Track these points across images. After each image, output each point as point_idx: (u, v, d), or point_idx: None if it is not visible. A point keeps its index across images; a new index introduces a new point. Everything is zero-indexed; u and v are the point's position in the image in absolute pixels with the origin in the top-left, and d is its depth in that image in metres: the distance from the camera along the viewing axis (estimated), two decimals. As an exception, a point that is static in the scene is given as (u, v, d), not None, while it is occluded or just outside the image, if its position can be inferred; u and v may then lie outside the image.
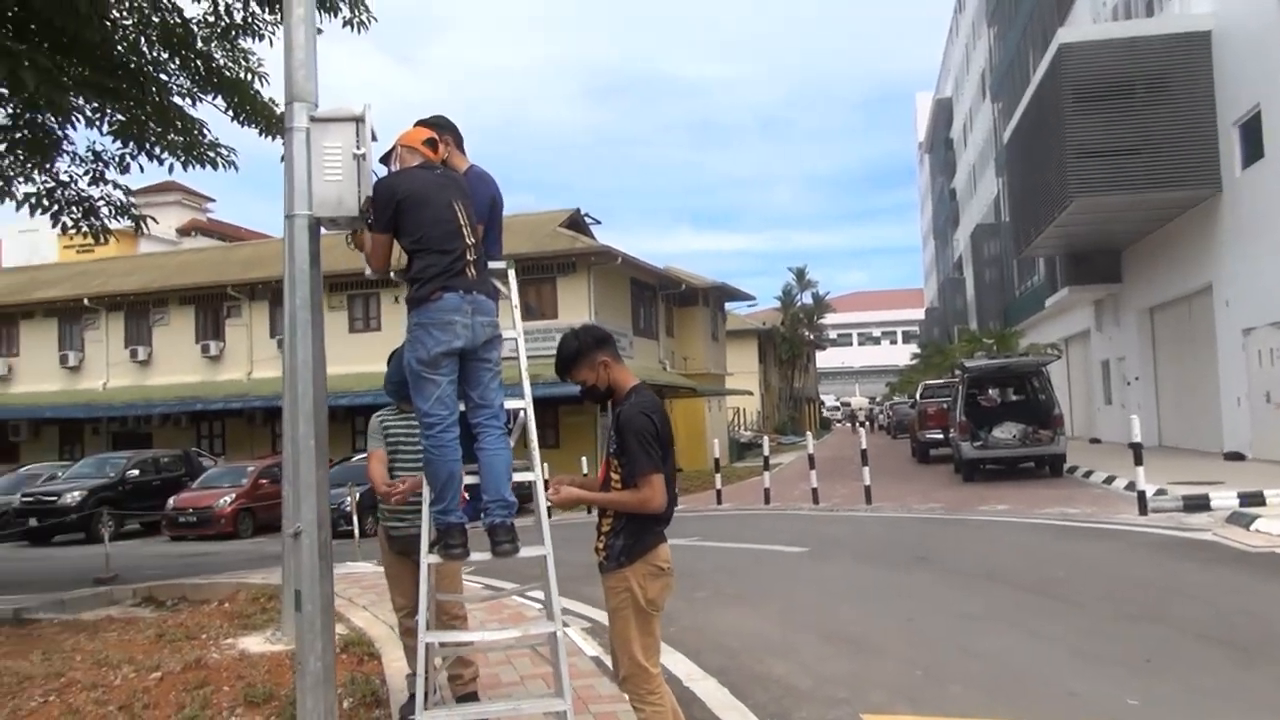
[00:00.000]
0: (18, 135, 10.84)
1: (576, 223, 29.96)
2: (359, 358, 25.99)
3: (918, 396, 29.24)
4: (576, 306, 25.97)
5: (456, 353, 3.94)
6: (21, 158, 10.98)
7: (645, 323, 30.60)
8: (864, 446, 16.30)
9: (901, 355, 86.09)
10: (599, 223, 33.14)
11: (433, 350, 3.91)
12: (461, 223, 3.98)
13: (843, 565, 9.58)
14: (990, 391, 20.32)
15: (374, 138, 4.06)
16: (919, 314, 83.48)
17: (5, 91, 8.83)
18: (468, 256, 3.96)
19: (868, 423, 43.61)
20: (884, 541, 11.12)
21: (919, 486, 17.93)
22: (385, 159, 4.15)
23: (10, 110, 10.58)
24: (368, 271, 4.17)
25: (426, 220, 3.94)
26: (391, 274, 4.17)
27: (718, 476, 19.17)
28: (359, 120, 3.96)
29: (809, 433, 19.44)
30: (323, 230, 4.17)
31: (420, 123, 4.31)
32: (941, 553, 9.84)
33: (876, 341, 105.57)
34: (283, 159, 4.30)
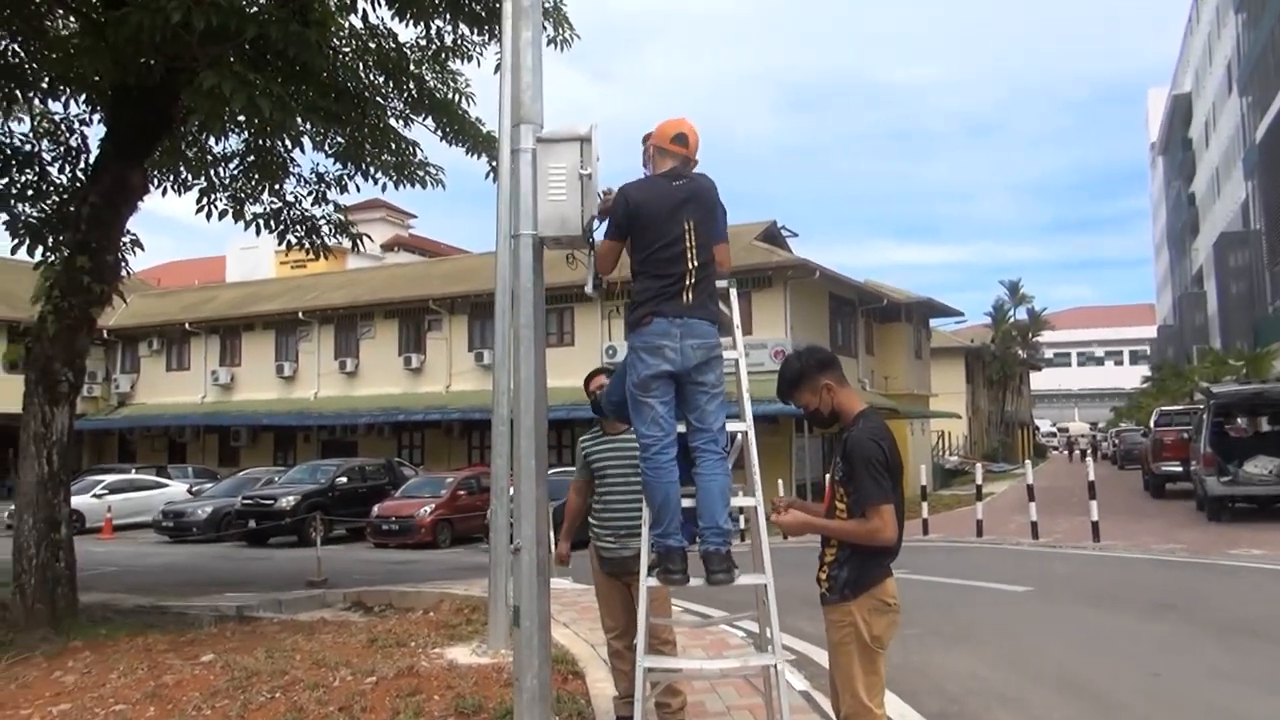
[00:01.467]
0: (250, 159, 11.93)
1: (773, 236, 29.85)
2: (552, 372, 26.65)
3: (1152, 424, 27.41)
4: (773, 322, 25.88)
5: (667, 376, 4.01)
6: (253, 180, 12.06)
7: (844, 339, 30.08)
8: (1091, 477, 15.42)
9: (1129, 377, 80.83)
10: (795, 235, 32.93)
11: (642, 374, 4.00)
12: (688, 244, 4.03)
13: (1072, 608, 9.11)
14: (1240, 420, 18.82)
15: (599, 156, 4.20)
16: (1149, 332, 78.07)
17: (242, 119, 9.68)
18: (687, 280, 4.02)
19: (1091, 451, 41.06)
20: (1118, 584, 10.48)
21: (1155, 524, 16.89)
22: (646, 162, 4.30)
23: (245, 136, 11.63)
24: (588, 288, 4.31)
25: (651, 241, 4.03)
26: (602, 284, 4.31)
27: (924, 505, 18.59)
28: (584, 140, 4.10)
29: (1026, 461, 18.54)
30: (547, 248, 4.34)
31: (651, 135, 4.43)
32: (1188, 600, 9.19)
33: (1099, 362, 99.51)
34: (488, 175, 4.51)
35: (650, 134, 4.33)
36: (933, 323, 38.93)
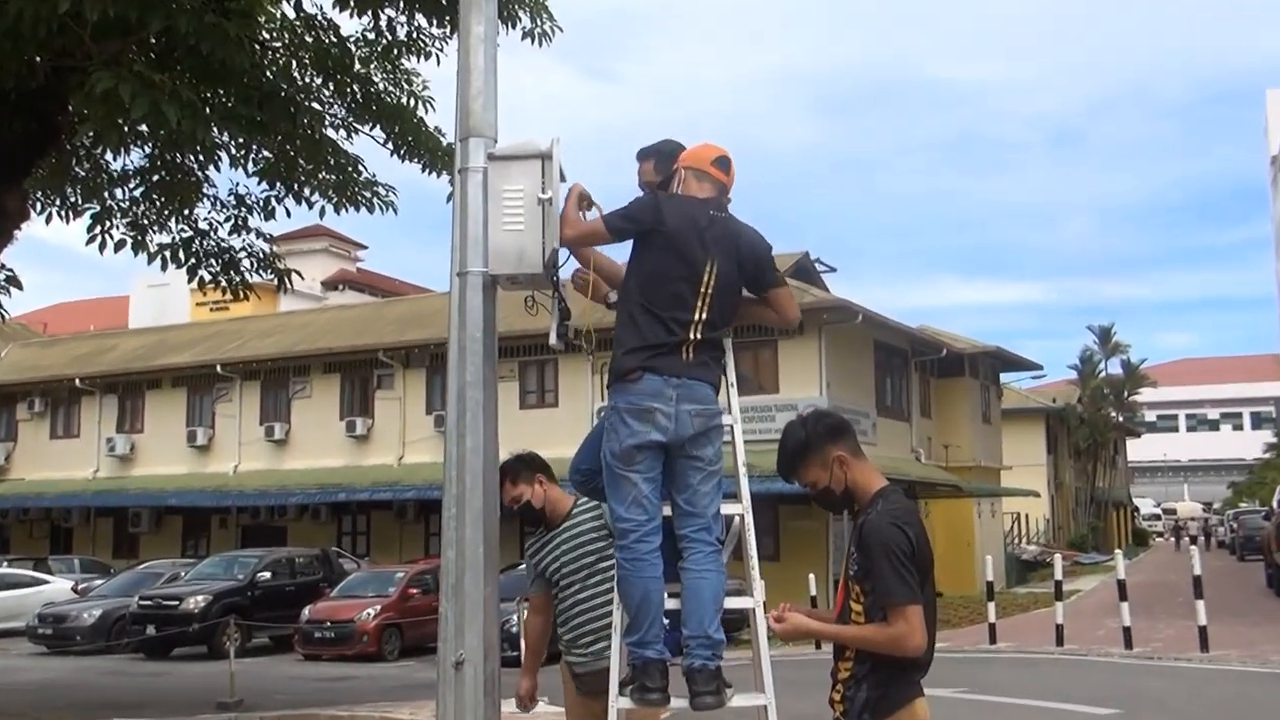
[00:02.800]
0: (155, 178, 12.01)
1: (805, 270, 30.09)
2: (531, 437, 26.51)
3: (1275, 504, 27.32)
4: (804, 378, 26.03)
5: (656, 447, 4.05)
6: (159, 204, 12.15)
7: (893, 399, 30.18)
8: (1198, 570, 15.35)
9: (1250, 445, 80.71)
10: (833, 270, 33.17)
11: (626, 442, 4.05)
12: (705, 289, 4.13)
13: (1169, 737, 9.03)
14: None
15: (563, 177, 4.27)
16: (1275, 389, 78.19)
17: (145, 129, 9.79)
18: (692, 333, 4.12)
19: (1202, 537, 40.88)
20: (1232, 707, 10.43)
21: (1280, 630, 16.83)
22: (664, 185, 4.40)
23: (149, 150, 11.74)
24: (552, 339, 4.36)
25: (663, 269, 4.13)
26: (570, 333, 4.38)
27: (991, 606, 18.50)
28: (545, 157, 4.18)
29: (1118, 550, 18.48)
30: (500, 288, 4.39)
31: (646, 153, 4.53)
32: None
33: (1213, 426, 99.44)
34: (449, 199, 4.57)
35: (657, 150, 4.49)
36: (1004, 378, 39.13)
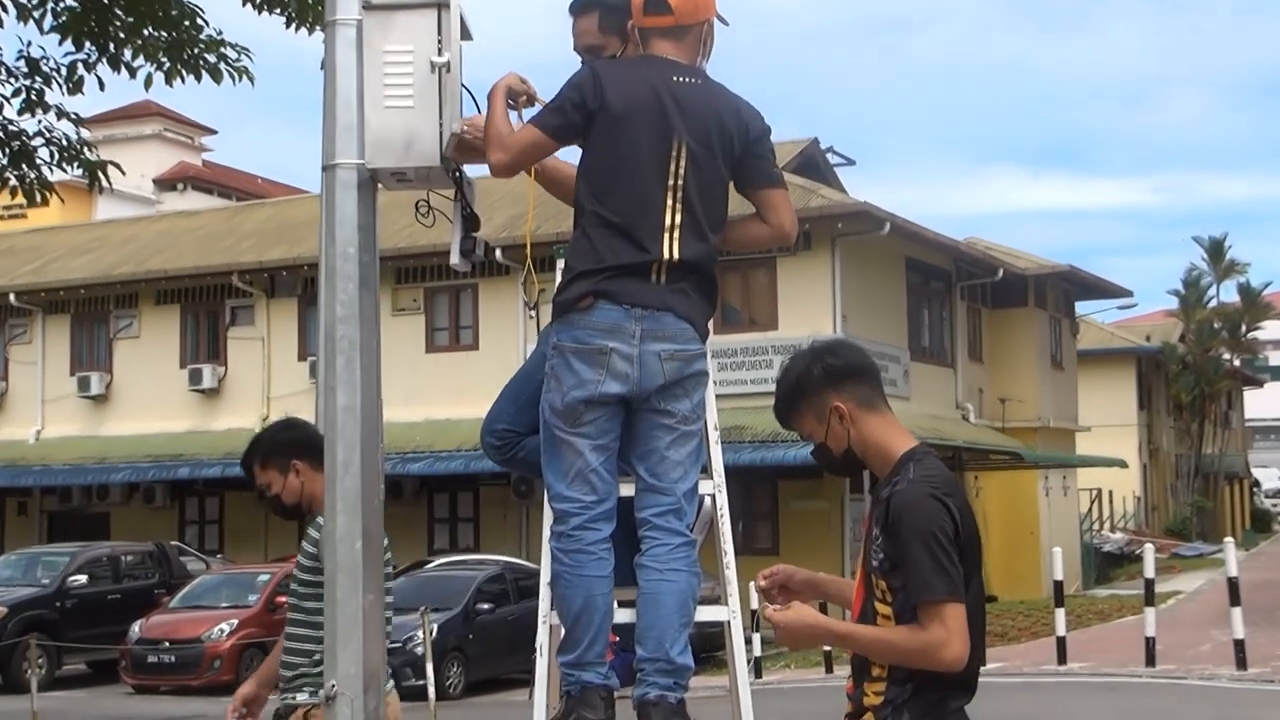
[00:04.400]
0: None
1: (813, 164, 30.14)
2: (444, 393, 27.18)
3: None
4: (812, 308, 26.25)
5: (613, 402, 4.06)
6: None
7: (932, 338, 30.46)
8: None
9: None
10: (851, 163, 33.33)
11: (570, 394, 4.06)
12: (675, 181, 4.12)
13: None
14: None
15: (466, 34, 4.22)
16: None
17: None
18: (664, 249, 4.10)
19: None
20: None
21: None
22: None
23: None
24: (454, 258, 4.32)
25: (615, 162, 4.13)
26: (480, 250, 4.35)
27: (1060, 615, 18.69)
28: (441, 5, 4.13)
29: (1229, 539, 18.69)
30: (382, 186, 4.35)
31: (584, 4, 4.44)
32: None
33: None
34: (323, 65, 4.53)
35: (601, 1, 4.40)
36: (1082, 309, 39.42)
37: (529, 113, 4.33)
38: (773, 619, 3.64)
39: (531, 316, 4.54)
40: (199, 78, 12.10)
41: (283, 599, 21.30)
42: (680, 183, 4.12)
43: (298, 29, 11.97)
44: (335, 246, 4.23)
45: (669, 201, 4.11)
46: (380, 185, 4.32)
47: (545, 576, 4.18)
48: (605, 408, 4.08)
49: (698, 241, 4.17)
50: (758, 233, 4.44)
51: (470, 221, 4.39)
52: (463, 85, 4.31)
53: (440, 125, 4.17)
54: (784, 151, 29.22)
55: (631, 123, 4.11)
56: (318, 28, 11.69)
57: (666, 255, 4.10)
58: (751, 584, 3.91)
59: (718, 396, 4.56)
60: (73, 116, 12.49)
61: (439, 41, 4.15)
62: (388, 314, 26.51)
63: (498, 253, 23.39)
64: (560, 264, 4.27)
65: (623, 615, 4.08)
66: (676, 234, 4.12)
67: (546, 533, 4.21)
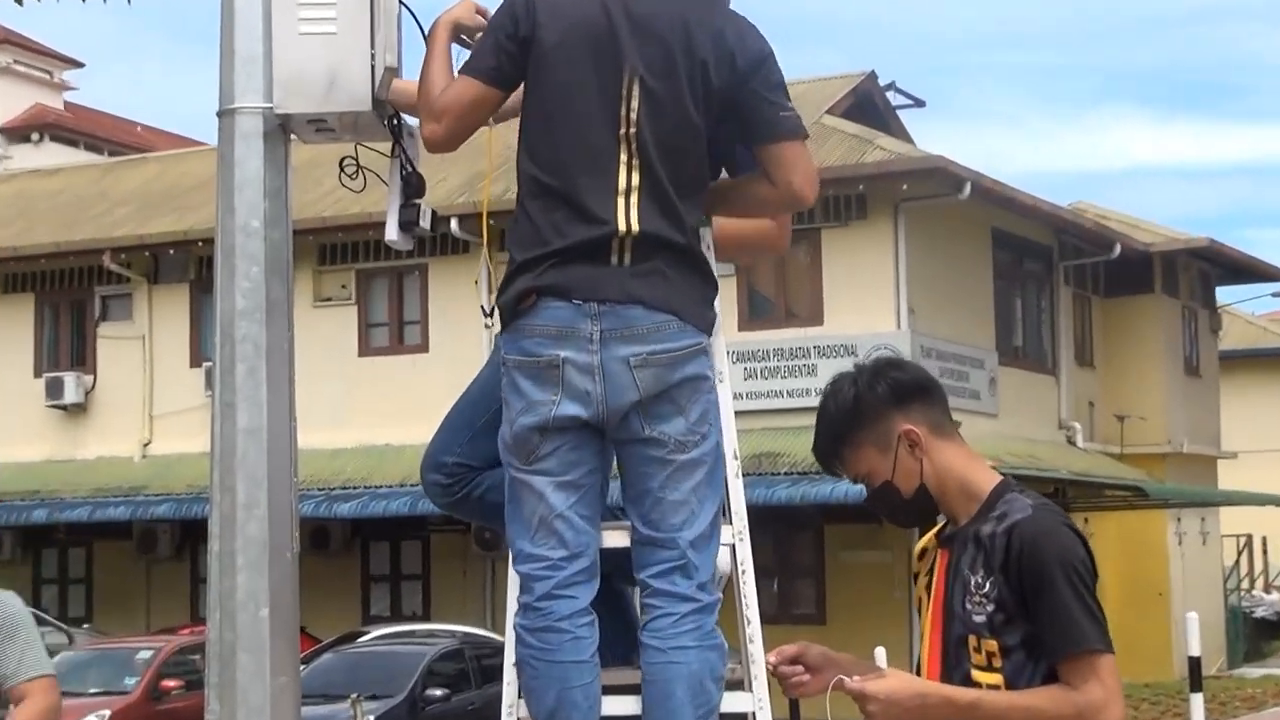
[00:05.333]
0: None
1: (869, 105, 30.21)
2: (383, 410, 27.38)
3: None
4: (867, 297, 26.29)
5: (574, 427, 4.07)
6: None
7: (1028, 335, 30.55)
8: None
9: None
10: (920, 104, 33.40)
11: (518, 421, 4.08)
12: (628, 130, 4.07)
13: None
14: None
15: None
16: None
17: None
18: (619, 218, 4.05)
19: None
20: None
21: None
22: None
23: None
24: (390, 233, 4.35)
25: (550, 111, 4.10)
26: (424, 221, 4.37)
27: (1198, 701, 18.69)
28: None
29: None
30: (297, 138, 4.38)
31: None
32: None
33: None
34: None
35: None
36: (1224, 296, 39.35)
37: None
38: (866, 691, 3.58)
39: (488, 325, 4.48)
40: (56, -5, 12.12)
41: (170, 683, 21.31)
42: (633, 130, 4.06)
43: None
44: (235, 218, 4.26)
45: (622, 156, 4.07)
46: (294, 136, 4.35)
47: (510, 657, 4.17)
48: (567, 435, 4.07)
49: (664, 208, 4.11)
50: (758, 195, 4.37)
51: (413, 184, 4.42)
52: (401, 3, 4.34)
53: (372, 56, 4.20)
54: (828, 90, 29.29)
55: (569, 51, 4.09)
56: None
57: (623, 227, 4.06)
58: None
59: (742, 414, 4.54)
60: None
61: (368, -52, 4.18)
62: (307, 305, 26.58)
63: (452, 224, 23.54)
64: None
65: (617, 706, 4.09)
66: (634, 199, 4.07)
67: (512, 603, 4.19)
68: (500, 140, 4.75)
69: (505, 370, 4.13)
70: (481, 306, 5.35)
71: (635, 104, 4.06)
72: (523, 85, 4.18)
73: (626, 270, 4.08)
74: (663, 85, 4.08)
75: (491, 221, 4.82)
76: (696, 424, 4.13)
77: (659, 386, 4.08)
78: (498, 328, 4.28)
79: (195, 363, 29.81)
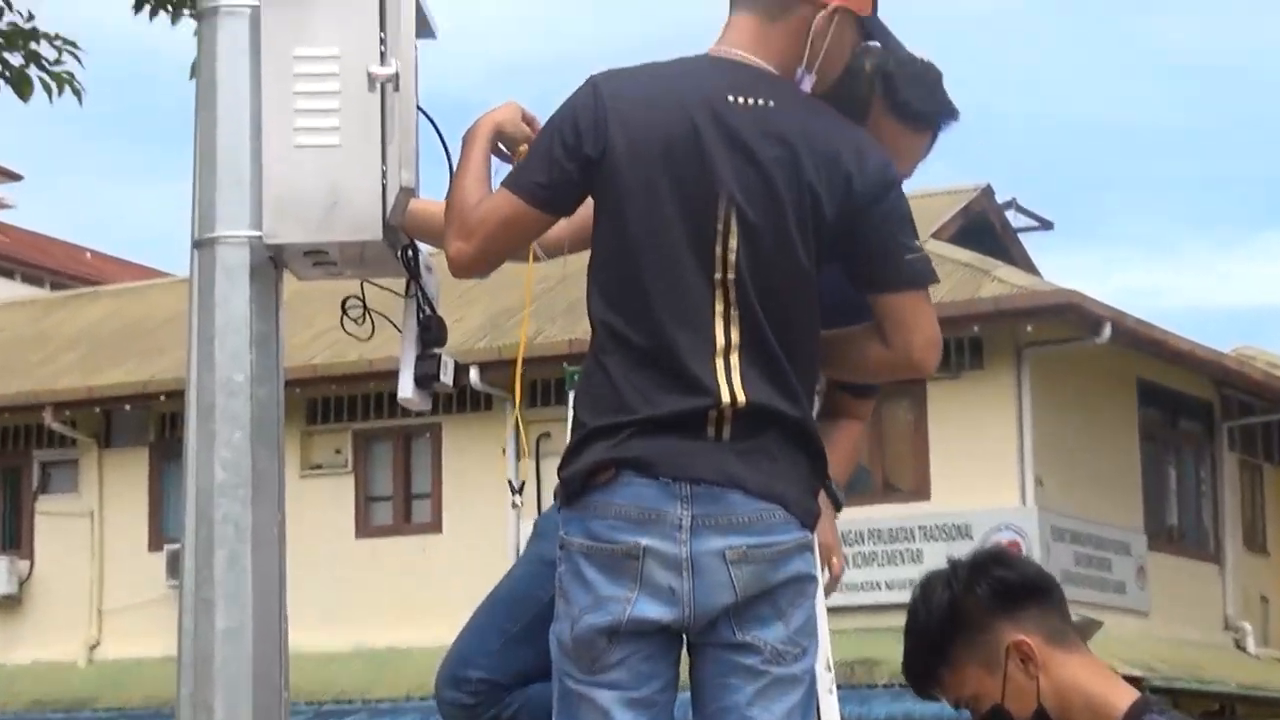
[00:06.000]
0: None
1: (984, 226, 30.42)
2: (387, 606, 27.40)
3: None
4: (984, 465, 26.32)
5: (652, 631, 4.06)
6: None
7: (1184, 513, 30.46)
8: None
9: None
10: (1048, 226, 33.50)
11: (582, 620, 4.03)
12: (719, 275, 4.02)
13: None
14: None
15: (427, 29, 4.29)
16: None
17: None
18: (719, 382, 4.02)
19: None
20: None
21: None
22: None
23: None
24: (403, 389, 4.36)
25: (630, 249, 4.05)
26: (444, 376, 4.38)
27: None
28: (387, -14, 4.21)
29: None
30: (291, 274, 4.40)
31: None
32: None
33: None
34: (195, 74, 4.63)
35: None
36: None
37: None
38: None
39: (516, 505, 4.48)
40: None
41: None
42: (730, 275, 4.03)
43: (154, 14, 12.18)
44: (214, 372, 4.27)
45: (718, 305, 4.04)
46: (288, 270, 4.37)
47: None
48: (642, 641, 4.04)
49: (772, 372, 4.08)
50: (866, 358, 4.37)
51: (432, 331, 4.43)
52: (420, 109, 4.37)
53: (384, 174, 4.22)
54: (934, 208, 29.41)
55: (649, 173, 4.04)
56: (186, 14, 11.89)
57: (726, 397, 4.02)
58: None
59: (832, 610, 4.52)
60: None
61: (382, 41, 4.21)
62: (293, 474, 26.06)
63: (472, 374, 23.57)
64: (572, 399, 4.26)
65: None
66: (735, 359, 4.04)
67: None
68: (536, 271, 4.75)
69: (566, 555, 4.07)
70: (510, 481, 5.36)
71: (733, 242, 4.02)
72: (588, 208, 4.16)
73: (726, 446, 4.04)
74: (765, 217, 4.03)
75: (523, 370, 4.79)
76: (798, 633, 4.12)
77: (759, 587, 4.06)
78: (527, 505, 4.27)
79: (156, 545, 29.94)
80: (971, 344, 26.14)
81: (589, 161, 4.03)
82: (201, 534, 4.25)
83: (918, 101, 4.61)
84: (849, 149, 4.12)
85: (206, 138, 4.31)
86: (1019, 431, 26.28)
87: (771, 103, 4.11)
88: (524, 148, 4.25)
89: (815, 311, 4.15)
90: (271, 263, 4.29)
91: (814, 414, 4.32)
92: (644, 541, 3.99)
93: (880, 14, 4.29)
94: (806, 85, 4.20)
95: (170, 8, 12.11)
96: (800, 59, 4.19)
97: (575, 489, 4.06)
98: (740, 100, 4.08)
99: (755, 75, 4.14)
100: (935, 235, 28.22)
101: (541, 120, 4.25)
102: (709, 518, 4.01)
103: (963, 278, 26.82)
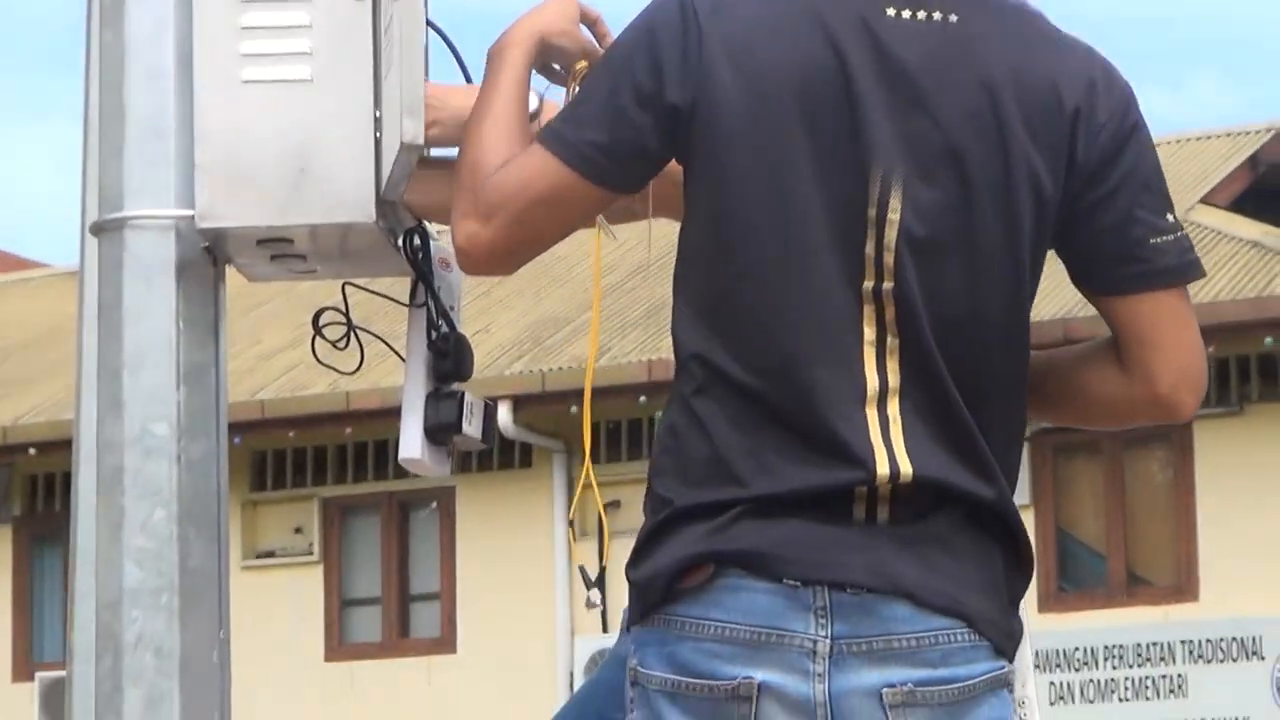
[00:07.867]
0: None
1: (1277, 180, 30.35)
2: None
3: None
4: (1275, 552, 26.04)
5: None
6: None
7: None
8: None
9: None
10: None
11: None
12: (872, 286, 3.96)
13: None
14: None
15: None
16: None
17: None
18: (872, 454, 3.95)
19: None
20: None
21: None
22: None
23: None
24: (409, 451, 4.40)
25: (741, 235, 3.99)
26: (473, 437, 4.41)
27: None
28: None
29: None
30: (237, 271, 4.44)
31: None
32: None
33: None
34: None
35: None
36: None
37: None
38: None
39: (593, 604, 4.47)
40: None
41: None
42: (890, 284, 3.93)
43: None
44: (123, 419, 4.29)
45: (868, 331, 3.97)
46: (232, 267, 4.39)
47: None
48: None
49: (951, 432, 4.01)
50: (1092, 392, 4.33)
51: (449, 356, 4.43)
52: (429, 23, 4.39)
53: (375, 123, 4.24)
54: (1207, 156, 29.37)
55: (771, 134, 3.96)
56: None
57: (884, 465, 3.96)
58: None
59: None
60: None
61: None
62: (234, 565, 25.96)
63: (501, 413, 23.45)
64: (652, 461, 4.19)
65: None
66: (893, 410, 3.99)
67: None
68: (608, 249, 4.70)
69: (640, 696, 4.09)
70: (581, 569, 5.23)
71: (892, 236, 3.92)
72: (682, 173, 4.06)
73: (884, 534, 4.01)
74: (945, 200, 3.96)
75: (592, 414, 4.73)
76: None
77: None
78: (600, 603, 4.30)
79: (23, 674, 30.28)
80: (1261, 364, 26.12)
81: (674, 113, 3.96)
82: (103, 664, 4.27)
83: None
84: (1076, 80, 4.04)
85: (110, 69, 4.33)
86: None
87: (954, 16, 4.01)
88: (582, 65, 4.26)
89: (1023, 343, 4.07)
90: (208, 256, 4.29)
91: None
92: (759, 676, 3.99)
93: None
94: None
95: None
96: None
97: (654, 598, 4.04)
98: (908, 14, 3.99)
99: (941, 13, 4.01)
100: (1206, 200, 28.21)
101: (614, 30, 4.17)
102: (858, 641, 4.00)
103: (1249, 263, 26.76)
